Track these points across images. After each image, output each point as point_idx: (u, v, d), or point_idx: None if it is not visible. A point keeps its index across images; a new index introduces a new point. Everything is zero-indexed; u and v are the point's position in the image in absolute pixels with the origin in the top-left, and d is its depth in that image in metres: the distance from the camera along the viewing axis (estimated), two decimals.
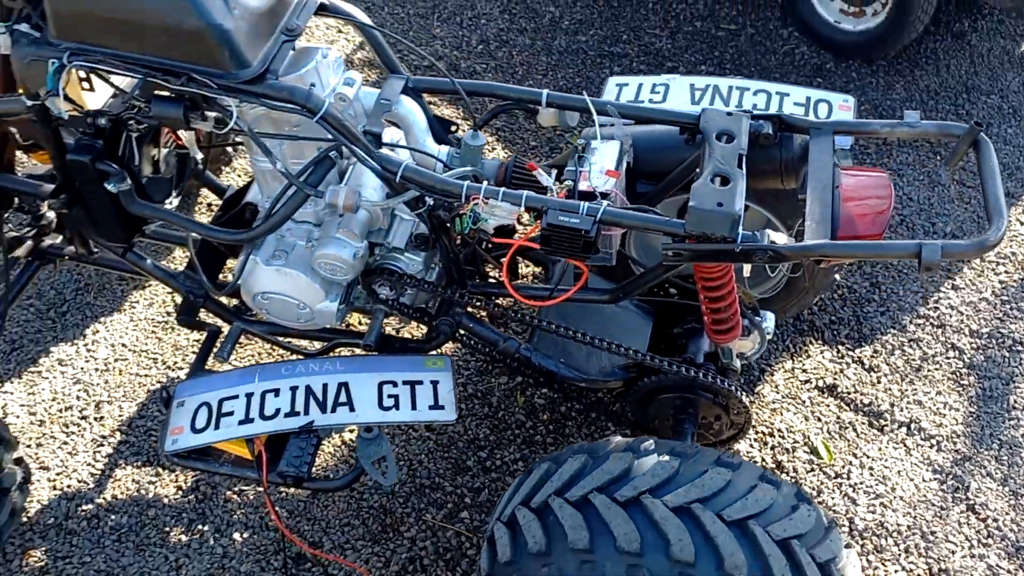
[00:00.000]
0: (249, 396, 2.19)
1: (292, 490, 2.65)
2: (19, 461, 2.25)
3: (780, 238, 1.80)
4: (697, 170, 1.89)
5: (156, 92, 1.87)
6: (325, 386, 2.20)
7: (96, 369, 2.93)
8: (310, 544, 2.53)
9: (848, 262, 2.63)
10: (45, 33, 1.86)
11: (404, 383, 2.23)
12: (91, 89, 1.87)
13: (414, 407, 2.19)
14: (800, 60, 4.07)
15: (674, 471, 1.78)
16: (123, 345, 3.00)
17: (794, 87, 2.49)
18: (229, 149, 3.21)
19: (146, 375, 2.93)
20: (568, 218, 1.81)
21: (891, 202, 1.87)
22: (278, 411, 2.16)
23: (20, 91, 1.98)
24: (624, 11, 4.28)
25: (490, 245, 2.30)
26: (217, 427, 2.15)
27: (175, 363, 2.96)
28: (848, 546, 1.83)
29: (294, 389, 2.20)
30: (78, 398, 2.86)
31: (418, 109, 2.11)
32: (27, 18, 1.88)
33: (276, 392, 2.20)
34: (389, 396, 2.20)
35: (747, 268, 1.91)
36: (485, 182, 1.91)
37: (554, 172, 2.03)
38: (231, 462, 2.18)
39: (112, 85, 1.92)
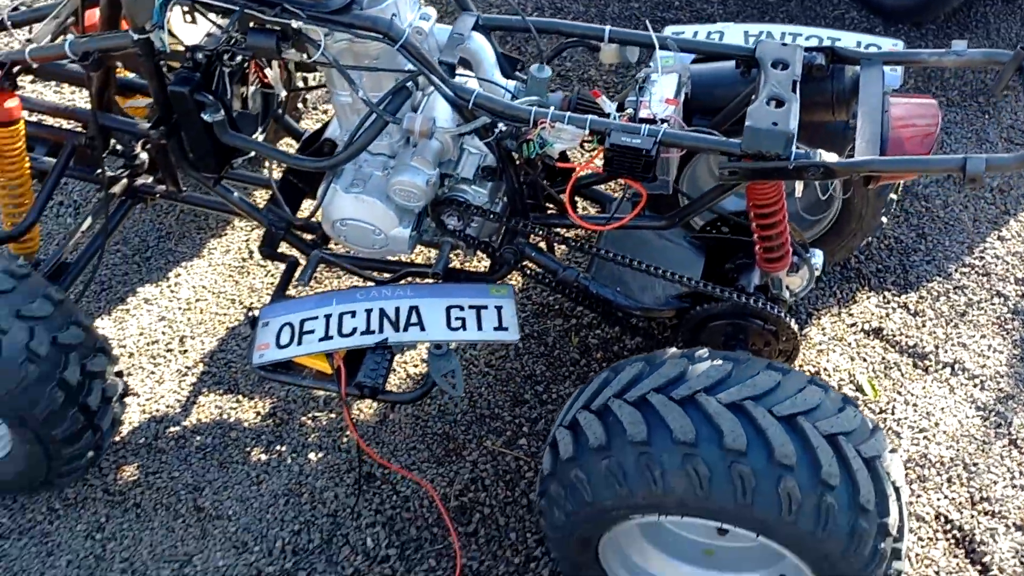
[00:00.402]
0: (328, 317, 2.36)
1: (366, 408, 2.82)
2: (119, 374, 2.45)
3: (831, 156, 1.92)
4: (753, 97, 2.01)
5: (251, 25, 2.05)
6: (397, 309, 2.37)
7: (179, 308, 3.14)
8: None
9: (898, 181, 2.70)
10: None
11: (470, 307, 2.38)
12: (194, 22, 2.05)
13: (480, 328, 2.34)
14: (850, 25, 4.14)
15: (727, 373, 1.91)
16: (203, 287, 3.20)
17: (845, 32, 2.59)
18: (300, 105, 3.40)
19: (225, 314, 3.12)
20: (630, 139, 1.95)
21: (939, 125, 1.97)
22: (355, 330, 2.33)
23: (126, 27, 2.18)
24: None
25: (550, 184, 2.44)
26: (300, 343, 2.33)
27: (251, 303, 3.15)
28: (893, 450, 1.94)
29: (369, 311, 2.37)
30: (163, 333, 3.07)
31: (488, 45, 2.25)
32: None
33: (353, 314, 2.37)
34: (456, 318, 2.36)
35: (799, 188, 2.02)
36: (551, 108, 2.05)
37: (615, 105, 2.17)
38: (312, 375, 2.36)
39: (211, 20, 2.10)
